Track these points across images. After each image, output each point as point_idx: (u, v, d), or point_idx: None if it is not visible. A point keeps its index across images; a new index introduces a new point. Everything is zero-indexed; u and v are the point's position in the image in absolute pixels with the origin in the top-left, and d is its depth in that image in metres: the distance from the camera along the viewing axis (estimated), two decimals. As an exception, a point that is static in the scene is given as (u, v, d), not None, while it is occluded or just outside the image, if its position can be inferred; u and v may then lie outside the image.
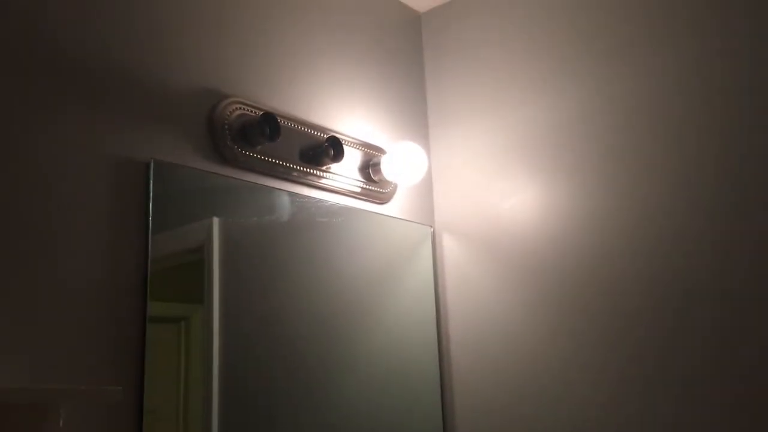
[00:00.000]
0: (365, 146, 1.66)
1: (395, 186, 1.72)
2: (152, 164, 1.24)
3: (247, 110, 1.41)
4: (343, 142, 1.55)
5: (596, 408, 1.46)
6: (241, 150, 1.39)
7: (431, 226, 1.79)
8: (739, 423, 1.28)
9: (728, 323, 1.32)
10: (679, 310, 1.37)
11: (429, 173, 1.82)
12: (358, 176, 1.63)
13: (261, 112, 1.40)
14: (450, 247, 1.76)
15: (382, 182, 1.67)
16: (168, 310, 1.29)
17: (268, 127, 1.38)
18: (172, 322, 1.30)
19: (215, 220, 1.36)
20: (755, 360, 1.28)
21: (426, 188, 1.82)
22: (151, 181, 1.23)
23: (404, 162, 1.63)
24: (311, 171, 1.52)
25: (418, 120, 1.86)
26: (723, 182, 1.36)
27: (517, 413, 1.57)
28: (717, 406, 1.31)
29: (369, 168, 1.65)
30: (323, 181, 1.55)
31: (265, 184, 1.45)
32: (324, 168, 1.55)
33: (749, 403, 1.28)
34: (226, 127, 1.36)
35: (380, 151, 1.69)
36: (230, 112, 1.38)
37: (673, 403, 1.36)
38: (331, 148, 1.52)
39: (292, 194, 1.49)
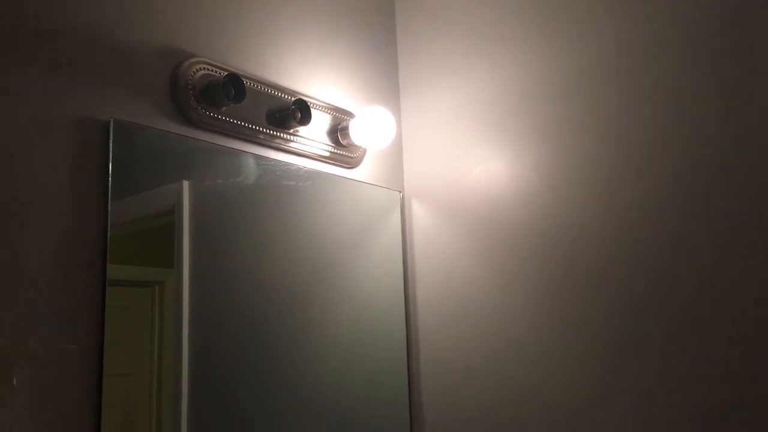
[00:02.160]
0: (334, 110, 1.65)
1: (364, 150, 1.71)
2: (112, 123, 1.22)
3: (212, 70, 1.38)
4: (310, 105, 1.53)
5: (561, 374, 1.48)
6: (206, 111, 1.37)
7: (400, 192, 1.79)
8: (705, 387, 1.31)
9: (695, 291, 1.33)
10: (649, 280, 1.38)
11: (399, 138, 1.81)
12: (326, 140, 1.62)
13: (226, 73, 1.38)
14: (419, 212, 1.76)
15: (351, 147, 1.66)
16: (138, 274, 1.29)
17: (233, 87, 1.36)
18: (145, 287, 1.29)
19: (185, 184, 1.35)
20: (724, 329, 1.29)
21: (396, 153, 1.81)
22: (111, 141, 1.21)
23: (373, 126, 1.62)
24: (278, 134, 1.51)
25: (388, 84, 1.84)
26: (694, 154, 1.36)
27: (481, 377, 1.59)
28: (689, 375, 1.32)
29: (337, 132, 1.64)
30: (291, 144, 1.54)
31: (232, 146, 1.43)
32: (291, 131, 1.53)
33: (718, 373, 1.30)
34: (190, 87, 1.34)
35: (349, 115, 1.67)
36: (194, 72, 1.35)
37: (642, 369, 1.37)
38: (298, 111, 1.50)
39: (259, 157, 1.48)
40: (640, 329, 1.38)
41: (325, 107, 1.63)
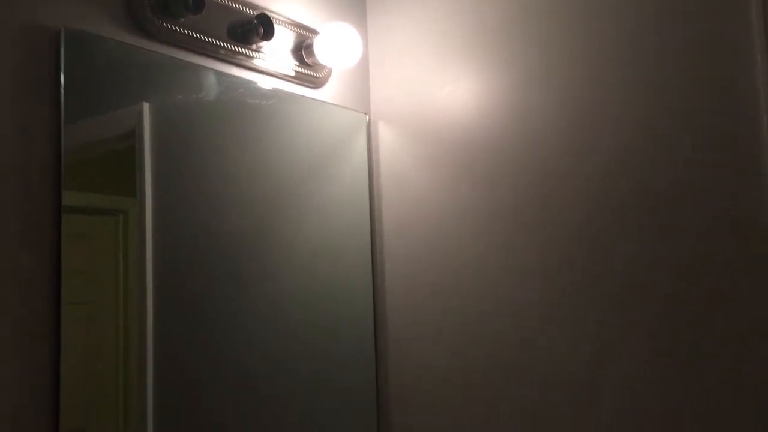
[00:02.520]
0: (298, 26, 1.58)
1: (330, 70, 1.66)
2: (63, 32, 1.14)
3: (168, -21, 1.30)
4: (274, 20, 1.47)
5: (524, 292, 1.49)
6: (164, 23, 1.30)
7: (366, 114, 1.75)
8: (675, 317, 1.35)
9: (664, 219, 1.33)
10: (615, 210, 1.37)
11: (365, 58, 1.76)
12: (290, 58, 1.56)
13: (183, -18, 1.30)
14: (385, 135, 1.73)
15: (316, 66, 1.61)
16: (97, 201, 1.23)
17: (190, -3, 1.28)
18: (107, 215, 1.25)
19: (145, 105, 1.28)
20: (691, 255, 1.31)
21: (362, 74, 1.76)
22: (63, 52, 1.13)
23: (338, 44, 1.57)
24: (241, 50, 1.45)
25: (355, 2, 1.77)
26: (672, 80, 1.33)
27: (444, 297, 1.60)
28: (660, 292, 1.34)
29: (302, 50, 1.58)
30: (254, 61, 1.48)
31: (192, 61, 1.36)
32: (254, 47, 1.47)
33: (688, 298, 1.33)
34: (145, -4, 1.26)
35: (314, 32, 1.61)
36: (149, -20, 1.27)
37: (610, 286, 1.38)
38: (260, 26, 1.44)
39: (221, 74, 1.42)
40: (608, 250, 1.38)
41: (290, 23, 1.56)
